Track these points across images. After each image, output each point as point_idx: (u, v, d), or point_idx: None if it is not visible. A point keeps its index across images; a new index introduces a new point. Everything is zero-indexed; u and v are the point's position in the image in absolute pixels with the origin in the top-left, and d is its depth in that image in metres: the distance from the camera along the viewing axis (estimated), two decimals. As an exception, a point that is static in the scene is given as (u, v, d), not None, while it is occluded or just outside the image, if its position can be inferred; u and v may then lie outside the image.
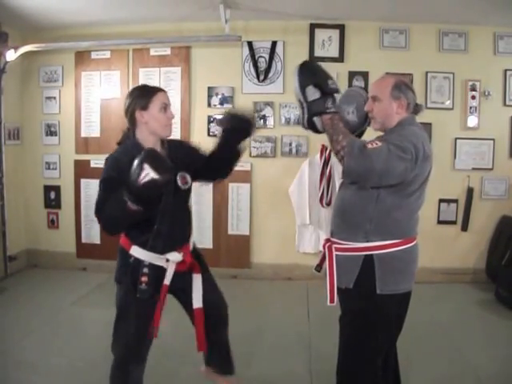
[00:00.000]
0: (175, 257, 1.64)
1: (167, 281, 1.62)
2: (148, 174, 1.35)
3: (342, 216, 1.59)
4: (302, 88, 1.54)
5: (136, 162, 1.39)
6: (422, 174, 1.49)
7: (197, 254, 1.79)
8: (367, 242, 1.49)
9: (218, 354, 1.87)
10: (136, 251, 1.61)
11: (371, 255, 1.49)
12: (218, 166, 1.80)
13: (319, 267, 1.71)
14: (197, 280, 1.71)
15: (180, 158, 1.66)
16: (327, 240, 1.64)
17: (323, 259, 1.67)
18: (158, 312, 1.63)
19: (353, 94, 1.71)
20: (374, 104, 1.57)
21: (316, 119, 1.56)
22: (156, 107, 1.59)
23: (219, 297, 1.84)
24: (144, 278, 1.59)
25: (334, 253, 1.56)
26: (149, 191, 1.39)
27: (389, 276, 1.49)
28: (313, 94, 1.53)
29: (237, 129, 1.73)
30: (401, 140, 1.42)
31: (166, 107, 1.62)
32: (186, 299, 1.74)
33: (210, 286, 1.79)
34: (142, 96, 1.61)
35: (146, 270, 1.60)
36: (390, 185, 1.43)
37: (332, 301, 1.52)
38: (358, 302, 1.52)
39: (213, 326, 1.77)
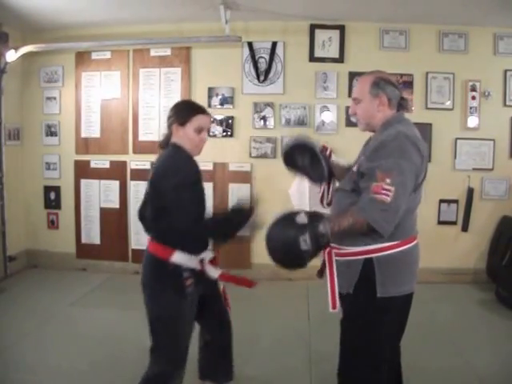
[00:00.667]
0: (208, 254, 1.74)
1: (216, 272, 1.72)
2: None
3: None
4: (297, 249, 1.34)
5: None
6: (419, 175, 1.47)
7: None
8: (366, 245, 1.46)
9: (227, 365, 1.95)
10: (177, 257, 1.63)
11: (371, 258, 1.46)
12: None
13: (321, 273, 1.67)
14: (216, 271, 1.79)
15: None
16: (327, 245, 1.62)
17: (324, 264, 1.64)
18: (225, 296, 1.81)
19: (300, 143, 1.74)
20: (357, 106, 1.57)
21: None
22: (192, 127, 1.67)
23: (227, 313, 1.93)
24: (188, 282, 1.65)
25: (334, 258, 1.53)
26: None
27: (389, 279, 1.46)
28: (305, 242, 1.33)
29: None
30: (403, 155, 1.38)
31: (201, 130, 1.69)
32: (204, 302, 1.80)
33: (220, 300, 1.89)
34: (183, 112, 1.69)
35: (186, 273, 1.65)
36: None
37: (334, 307, 1.50)
38: (359, 306, 1.50)
39: (227, 341, 1.89)
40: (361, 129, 1.62)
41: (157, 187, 1.62)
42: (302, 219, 1.35)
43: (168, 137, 1.75)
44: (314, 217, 1.38)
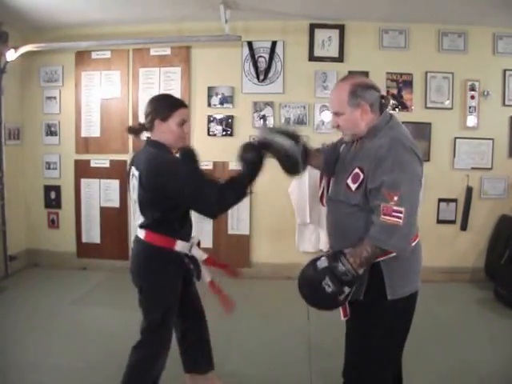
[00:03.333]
0: (196, 239, 1.83)
1: (204, 255, 1.80)
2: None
3: (339, 229, 1.56)
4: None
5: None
6: (421, 181, 1.47)
7: None
8: None
9: (206, 352, 2.02)
10: (180, 245, 1.73)
11: (378, 262, 1.44)
12: None
13: None
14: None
15: None
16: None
17: None
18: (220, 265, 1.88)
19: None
20: (339, 118, 1.51)
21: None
22: (174, 121, 1.69)
23: (200, 302, 2.02)
24: (191, 266, 1.77)
25: None
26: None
27: (397, 280, 1.46)
28: (328, 286, 1.40)
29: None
30: (404, 168, 1.36)
31: (183, 123, 1.72)
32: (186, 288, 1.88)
33: (193, 288, 1.97)
34: (164, 108, 1.70)
35: (186, 259, 1.76)
36: None
37: (345, 315, 1.50)
38: (369, 309, 1.49)
39: (203, 328, 2.00)
40: (347, 139, 1.59)
41: (162, 192, 1.61)
42: (322, 264, 1.44)
43: (143, 126, 1.77)
44: (333, 257, 1.44)
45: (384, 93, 3.42)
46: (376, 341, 1.50)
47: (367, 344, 1.52)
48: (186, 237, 1.77)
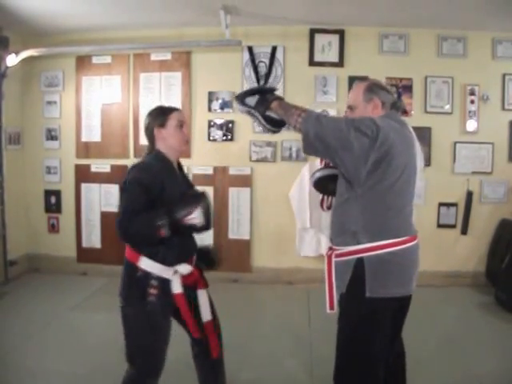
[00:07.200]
0: (185, 268, 1.65)
1: (178, 289, 1.61)
2: (195, 218, 1.49)
3: (333, 221, 1.61)
4: (242, 102, 1.68)
5: (188, 200, 1.54)
6: (395, 166, 1.43)
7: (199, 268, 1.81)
8: (358, 244, 1.47)
9: (216, 375, 1.90)
10: (144, 263, 1.60)
11: (361, 258, 1.46)
12: None
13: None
14: (203, 294, 1.75)
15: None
16: (329, 248, 1.64)
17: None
18: (187, 317, 1.65)
19: None
20: (353, 113, 1.60)
21: (270, 113, 1.67)
22: (173, 124, 1.72)
23: (218, 321, 1.88)
24: (153, 291, 1.58)
25: (334, 259, 1.55)
26: (187, 229, 1.54)
27: (379, 279, 1.46)
28: (252, 99, 1.67)
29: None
30: (363, 118, 1.47)
31: (182, 124, 1.75)
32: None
33: (211, 308, 1.83)
34: (160, 114, 1.74)
35: (154, 282, 1.59)
36: (355, 167, 1.42)
37: (332, 307, 1.52)
38: (351, 305, 1.52)
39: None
40: None
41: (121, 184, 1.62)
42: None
43: (150, 149, 1.75)
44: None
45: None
46: (356, 340, 1.50)
47: (349, 343, 1.53)
48: (162, 258, 1.60)
